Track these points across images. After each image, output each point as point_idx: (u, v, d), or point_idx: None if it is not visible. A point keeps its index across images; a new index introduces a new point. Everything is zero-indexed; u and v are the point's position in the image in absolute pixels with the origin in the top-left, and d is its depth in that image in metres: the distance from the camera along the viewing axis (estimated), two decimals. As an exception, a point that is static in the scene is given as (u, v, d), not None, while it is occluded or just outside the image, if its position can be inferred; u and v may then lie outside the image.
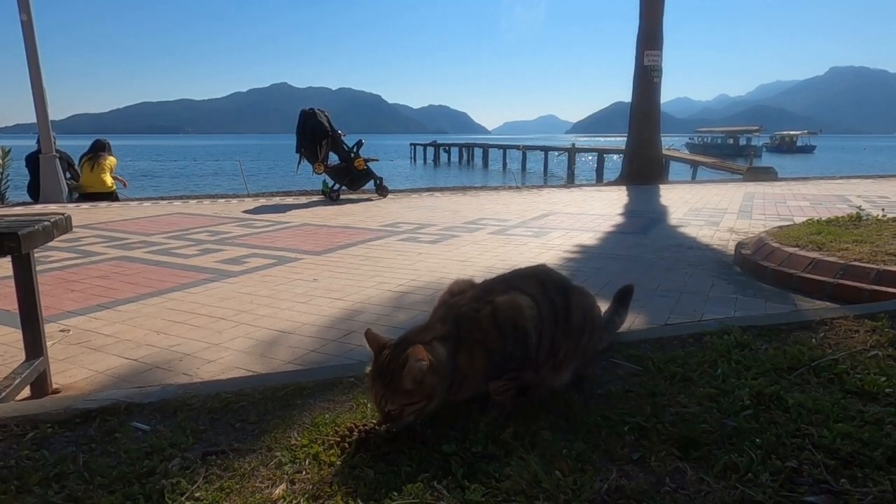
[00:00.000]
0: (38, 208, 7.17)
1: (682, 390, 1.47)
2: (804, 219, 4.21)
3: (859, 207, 4.95)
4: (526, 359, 1.35)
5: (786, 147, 59.62)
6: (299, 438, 1.30)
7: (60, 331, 2.47)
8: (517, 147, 36.62)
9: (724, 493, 1.03)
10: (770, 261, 3.19)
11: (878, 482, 1.04)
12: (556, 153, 32.27)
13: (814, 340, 1.81)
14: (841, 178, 10.70)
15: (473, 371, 1.30)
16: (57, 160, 7.91)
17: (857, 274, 2.71)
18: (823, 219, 4.05)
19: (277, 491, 1.11)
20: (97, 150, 8.06)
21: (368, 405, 1.46)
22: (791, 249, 3.17)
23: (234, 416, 1.44)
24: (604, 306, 2.59)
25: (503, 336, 1.32)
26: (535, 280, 1.46)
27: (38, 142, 7.97)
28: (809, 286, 2.83)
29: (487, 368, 1.32)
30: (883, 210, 4.56)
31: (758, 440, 1.20)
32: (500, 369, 1.33)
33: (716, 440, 1.21)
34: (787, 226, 4.01)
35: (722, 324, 1.98)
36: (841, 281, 2.73)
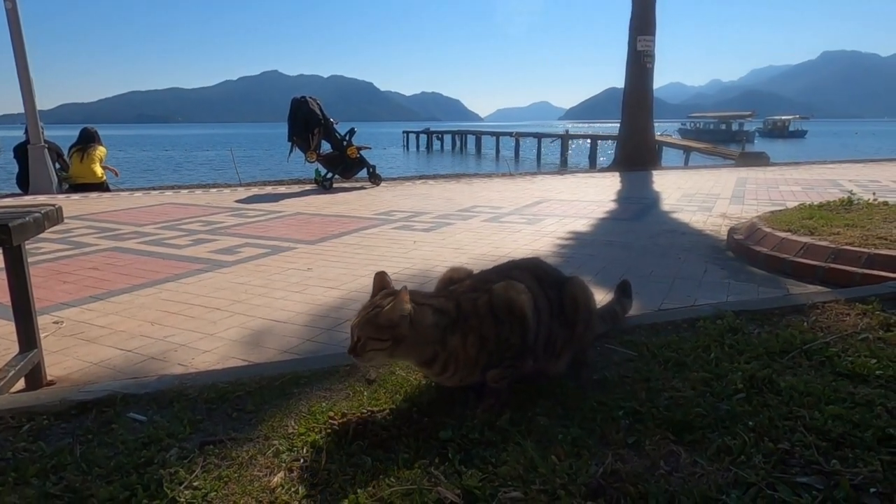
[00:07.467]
0: (27, 199, 7.09)
1: (676, 375, 1.48)
2: (796, 203, 4.23)
3: (850, 192, 4.98)
4: (524, 346, 1.36)
5: (778, 132, 59.63)
6: (296, 427, 1.31)
7: (54, 322, 2.45)
8: (510, 134, 36.45)
9: (718, 475, 1.05)
10: (762, 245, 3.21)
11: (869, 462, 1.06)
12: (550, 140, 32.18)
13: (805, 324, 1.83)
14: (832, 162, 10.75)
15: (466, 356, 1.31)
16: (46, 150, 7.82)
17: (849, 258, 2.73)
18: (815, 203, 4.08)
19: (275, 479, 1.11)
20: (86, 140, 7.98)
21: (365, 393, 1.47)
22: (783, 234, 3.19)
23: (231, 405, 1.44)
24: (598, 293, 2.62)
25: (499, 322, 1.33)
26: (529, 272, 1.47)
27: (26, 132, 7.87)
28: (801, 270, 2.85)
29: (481, 356, 1.33)
30: (874, 194, 4.59)
31: (751, 423, 1.21)
32: (497, 357, 1.34)
33: (709, 423, 1.22)
34: (780, 210, 4.03)
35: (715, 309, 2.00)
36: (832, 265, 2.75)
